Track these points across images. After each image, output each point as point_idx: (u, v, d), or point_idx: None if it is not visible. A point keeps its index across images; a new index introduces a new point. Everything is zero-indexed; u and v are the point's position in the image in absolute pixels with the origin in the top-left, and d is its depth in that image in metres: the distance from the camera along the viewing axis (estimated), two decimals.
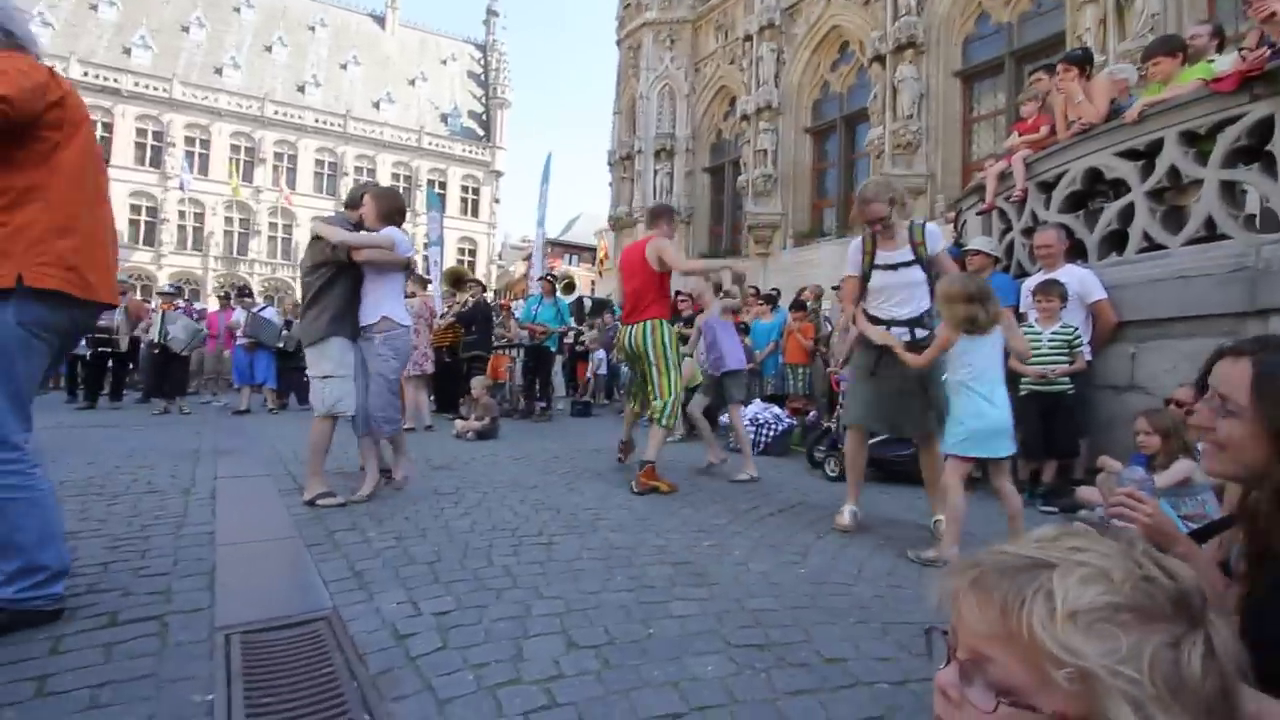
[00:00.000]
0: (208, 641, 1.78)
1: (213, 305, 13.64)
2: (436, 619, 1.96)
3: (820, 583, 2.41)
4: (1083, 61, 4.81)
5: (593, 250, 29.46)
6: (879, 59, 11.02)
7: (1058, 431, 3.97)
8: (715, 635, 1.90)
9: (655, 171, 15.43)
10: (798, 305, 7.56)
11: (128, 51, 33.68)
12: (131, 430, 6.33)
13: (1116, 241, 4.48)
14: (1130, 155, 4.31)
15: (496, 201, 43.75)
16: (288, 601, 2.11)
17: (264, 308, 9.69)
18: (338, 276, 3.48)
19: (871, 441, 4.66)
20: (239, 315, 9.12)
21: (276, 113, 36.76)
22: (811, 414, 6.40)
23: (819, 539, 3.03)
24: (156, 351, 8.26)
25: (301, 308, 3.60)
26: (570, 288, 11.87)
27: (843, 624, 2.03)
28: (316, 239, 3.52)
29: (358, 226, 3.60)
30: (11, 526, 1.77)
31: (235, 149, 35.71)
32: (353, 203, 3.76)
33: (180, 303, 10.94)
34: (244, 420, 7.79)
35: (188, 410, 8.27)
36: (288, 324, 9.11)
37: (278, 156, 36.87)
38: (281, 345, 8.80)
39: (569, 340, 10.15)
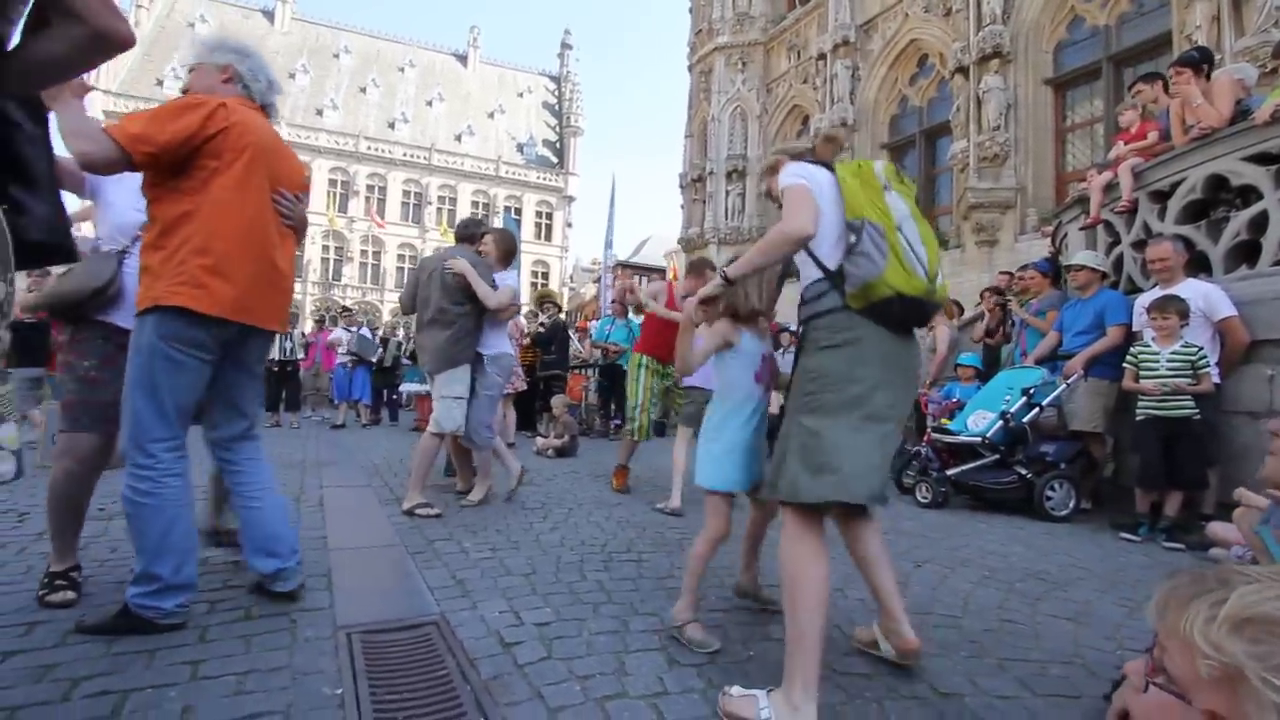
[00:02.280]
0: (331, 639, 1.89)
1: (308, 328, 14.66)
2: (538, 629, 2.00)
3: (924, 614, 2.30)
4: (1199, 62, 4.48)
5: (663, 271, 29.69)
6: (961, 70, 10.67)
7: (1182, 460, 3.64)
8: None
9: (727, 192, 15.46)
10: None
11: None
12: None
13: (1246, 253, 4.11)
14: (1260, 160, 3.97)
15: (569, 225, 45.04)
16: (399, 605, 2.22)
17: (363, 327, 10.35)
18: (474, 310, 3.75)
19: (967, 468, 4.48)
20: (338, 334, 9.77)
21: (369, 148, 39.55)
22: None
23: (917, 568, 2.90)
24: (275, 369, 8.96)
25: (432, 332, 3.74)
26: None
27: (954, 657, 1.93)
28: (456, 276, 3.71)
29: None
30: (137, 531, 1.88)
31: (333, 182, 38.61)
32: (465, 236, 4.08)
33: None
34: (341, 434, 8.29)
35: (296, 425, 8.89)
36: (383, 342, 9.71)
37: (369, 188, 39.57)
38: (376, 361, 9.38)
39: None
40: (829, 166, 1.81)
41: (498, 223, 38.41)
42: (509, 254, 4.01)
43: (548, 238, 44.07)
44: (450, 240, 4.54)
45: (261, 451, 2.25)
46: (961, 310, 7.60)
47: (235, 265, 1.97)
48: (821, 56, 13.55)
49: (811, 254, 1.76)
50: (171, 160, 1.88)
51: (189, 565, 1.95)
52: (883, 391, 1.67)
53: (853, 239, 1.67)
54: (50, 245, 1.32)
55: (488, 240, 3.98)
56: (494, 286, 3.75)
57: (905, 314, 1.69)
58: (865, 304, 1.66)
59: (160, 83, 35.64)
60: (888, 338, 1.69)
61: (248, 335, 2.09)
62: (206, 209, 1.93)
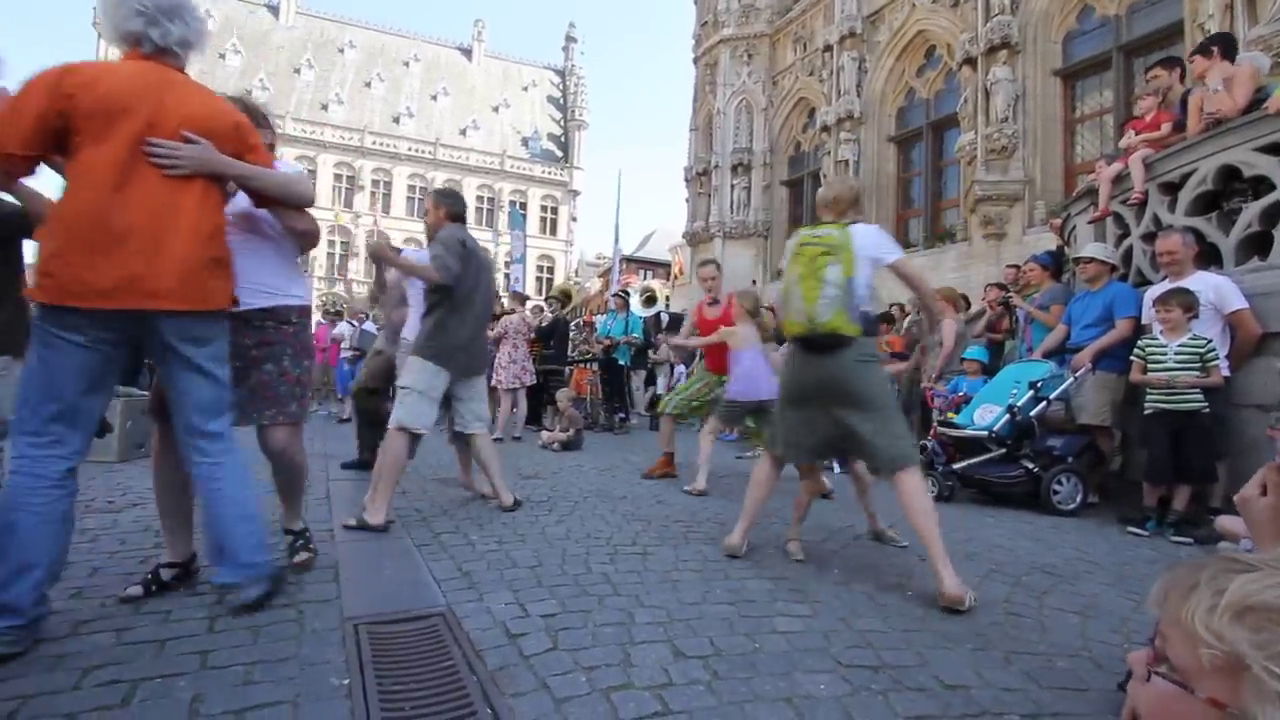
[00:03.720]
0: (338, 630, 1.91)
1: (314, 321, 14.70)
2: (544, 621, 2.01)
3: (930, 606, 2.29)
4: (1225, 43, 4.38)
5: (667, 265, 29.66)
6: (969, 62, 10.56)
7: (1190, 454, 3.61)
8: (824, 653, 1.85)
9: (732, 186, 15.39)
10: (885, 318, 7.31)
11: (248, 93, 37.39)
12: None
13: (1258, 245, 4.06)
14: (1273, 150, 3.91)
15: (574, 219, 44.98)
16: (405, 597, 2.23)
17: (367, 321, 10.37)
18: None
19: (973, 462, 4.46)
20: (342, 328, 9.80)
21: (374, 143, 39.58)
22: None
23: (922, 561, 2.88)
24: None
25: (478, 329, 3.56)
26: (651, 300, 11.96)
27: (960, 650, 1.93)
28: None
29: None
30: None
31: (338, 177, 38.68)
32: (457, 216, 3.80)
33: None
34: (347, 427, 8.31)
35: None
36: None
37: (374, 183, 39.60)
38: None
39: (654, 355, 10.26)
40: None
41: (503, 218, 38.45)
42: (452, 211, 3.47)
43: (553, 232, 44.03)
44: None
45: (225, 456, 1.96)
46: (968, 304, 7.56)
47: (69, 243, 1.69)
48: (828, 48, 13.44)
49: None
50: (45, 151, 1.73)
51: (18, 586, 1.64)
52: (808, 390, 2.66)
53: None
54: None
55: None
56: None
57: (804, 345, 2.65)
58: (789, 338, 2.76)
59: None
60: (800, 354, 2.69)
61: (145, 319, 1.79)
62: (67, 186, 1.74)
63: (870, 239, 2.59)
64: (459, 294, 3.31)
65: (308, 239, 2.28)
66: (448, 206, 3.49)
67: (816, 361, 2.61)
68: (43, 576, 1.71)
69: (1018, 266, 7.57)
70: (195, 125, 1.84)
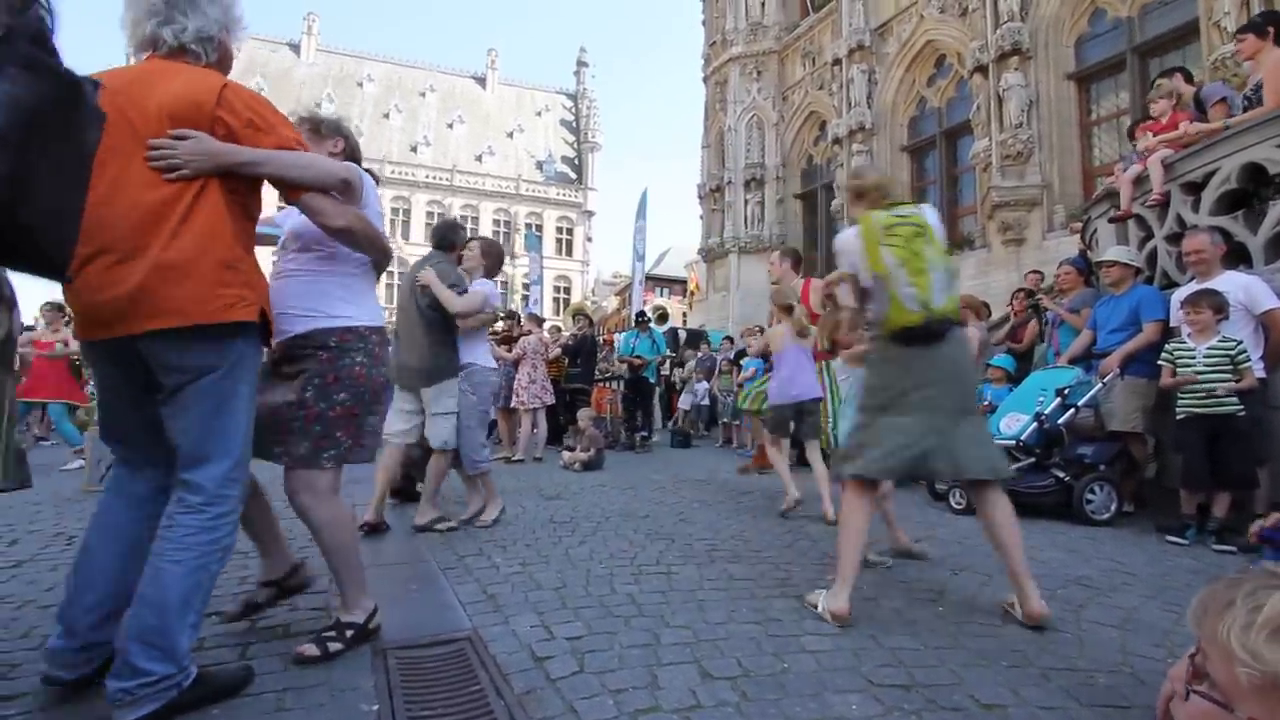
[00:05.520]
0: (367, 655, 1.92)
1: None
2: (570, 643, 2.01)
3: (962, 623, 2.25)
4: (1263, 27, 4.24)
5: (683, 282, 29.74)
6: (980, 69, 10.53)
7: (1229, 459, 3.50)
8: (854, 672, 1.82)
9: (746, 201, 15.44)
10: None
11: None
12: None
13: None
14: None
15: (589, 240, 45.40)
16: (431, 621, 2.24)
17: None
18: (448, 320, 3.60)
19: None
20: None
21: (393, 172, 40.48)
22: None
23: (954, 575, 2.83)
24: None
25: (413, 343, 3.59)
26: (664, 318, 12.04)
27: (995, 667, 1.88)
28: (424, 288, 3.56)
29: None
30: None
31: None
32: (441, 244, 3.85)
33: None
34: None
35: None
36: None
37: (394, 211, 40.40)
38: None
39: (665, 372, 10.27)
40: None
41: (519, 240, 38.97)
42: (493, 263, 3.93)
43: (569, 253, 44.47)
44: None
45: (187, 516, 1.58)
46: (990, 311, 7.45)
47: (81, 269, 1.49)
48: (837, 62, 13.50)
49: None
50: None
51: (75, 607, 1.60)
52: (914, 392, 2.30)
53: (870, 288, 2.41)
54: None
55: (472, 247, 3.88)
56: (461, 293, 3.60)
57: (914, 337, 2.29)
58: (887, 333, 2.35)
59: None
60: (905, 352, 2.33)
61: (130, 345, 1.55)
62: None
63: (936, 219, 2.43)
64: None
65: (351, 239, 1.88)
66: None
67: (931, 355, 2.30)
68: (95, 600, 1.61)
69: (1040, 272, 7.47)
70: (176, 107, 1.56)
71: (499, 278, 4.27)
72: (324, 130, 2.23)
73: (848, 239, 2.48)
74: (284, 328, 1.92)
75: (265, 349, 1.84)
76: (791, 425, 4.31)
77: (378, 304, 2.16)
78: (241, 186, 1.68)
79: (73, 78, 1.29)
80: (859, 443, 2.39)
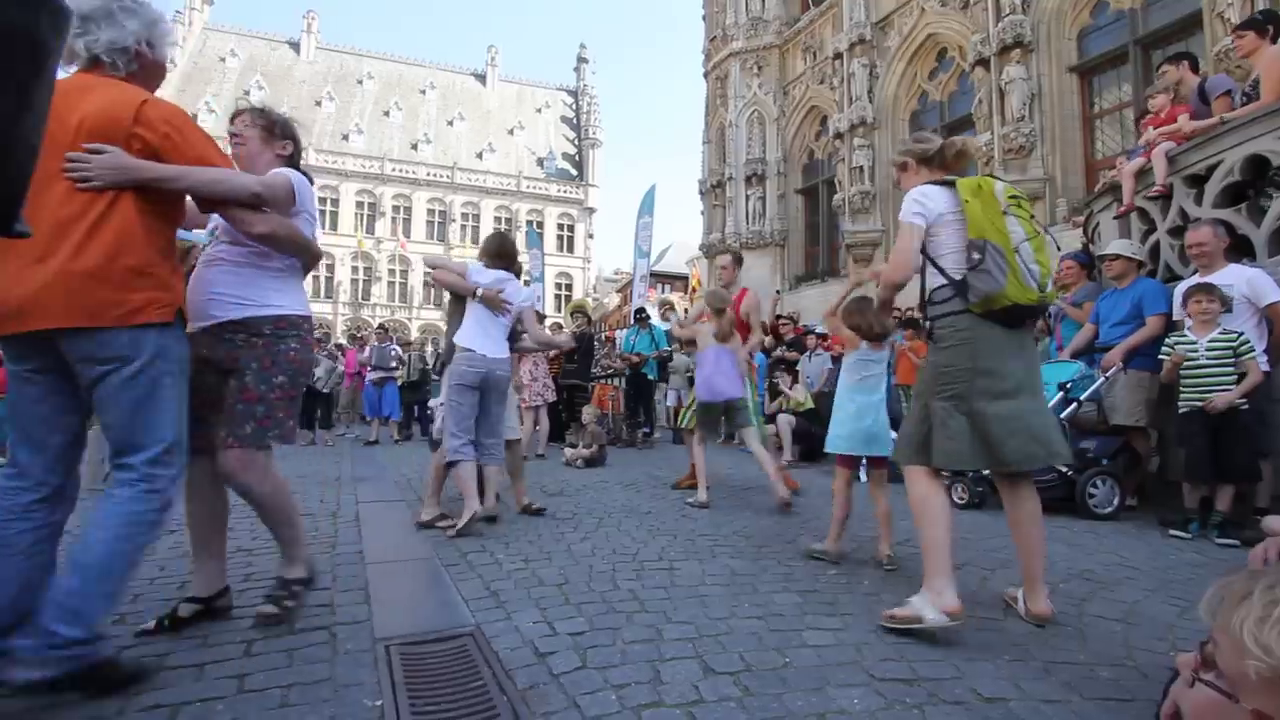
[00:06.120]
0: (370, 651, 1.93)
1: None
2: (572, 639, 2.01)
3: (965, 616, 2.24)
4: (1264, 24, 4.27)
5: (685, 279, 29.70)
6: (982, 62, 10.48)
7: (1231, 451, 3.50)
8: (856, 667, 1.83)
9: (747, 197, 15.40)
10: (909, 323, 7.21)
11: None
12: (282, 460, 7.04)
13: None
14: None
15: (590, 237, 45.36)
16: (435, 617, 2.25)
17: (390, 344, 10.56)
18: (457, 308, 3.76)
19: None
20: (368, 352, 10.02)
21: (394, 170, 40.48)
22: None
23: (955, 570, 2.82)
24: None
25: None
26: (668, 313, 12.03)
27: (997, 661, 1.89)
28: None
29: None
30: None
31: (360, 205, 39.59)
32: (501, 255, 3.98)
33: (330, 347, 11.94)
34: (375, 450, 8.45)
35: (331, 443, 9.10)
36: (402, 359, 9.93)
37: (395, 209, 40.45)
38: (397, 373, 9.60)
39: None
40: (952, 182, 2.17)
41: (520, 237, 38.99)
42: (496, 255, 3.92)
43: (570, 250, 44.45)
44: (472, 253, 4.50)
45: (118, 489, 1.69)
46: None
47: None
48: (838, 56, 13.44)
49: (937, 265, 2.19)
50: None
51: None
52: (998, 377, 2.11)
53: (976, 256, 2.06)
54: None
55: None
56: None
57: (1020, 316, 2.11)
58: (985, 310, 2.08)
59: (195, 115, 37.07)
60: (1002, 333, 2.11)
61: (44, 339, 1.62)
62: None
63: None
64: None
65: (273, 243, 1.99)
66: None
67: (1020, 339, 2.16)
68: None
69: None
70: (93, 123, 1.62)
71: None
72: (276, 132, 2.25)
73: (939, 194, 2.19)
74: (213, 313, 2.01)
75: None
76: (721, 423, 4.55)
77: (305, 295, 2.26)
78: (161, 196, 1.74)
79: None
80: (940, 432, 2.14)
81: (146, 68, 1.81)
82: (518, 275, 3.99)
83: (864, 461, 3.31)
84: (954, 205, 2.14)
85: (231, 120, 2.27)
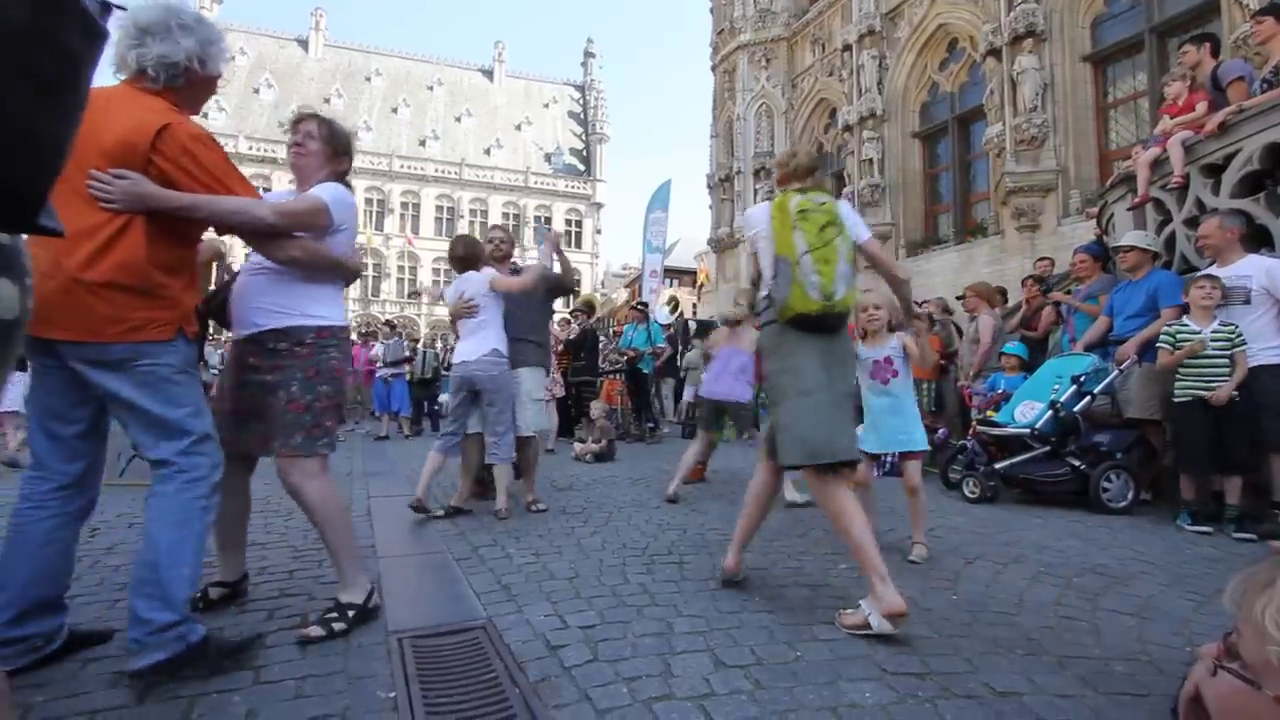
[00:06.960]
0: (384, 644, 1.95)
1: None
2: (584, 632, 2.02)
3: (977, 611, 2.24)
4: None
5: (693, 273, 29.63)
6: (993, 53, 10.34)
7: (1231, 442, 3.47)
8: (868, 660, 1.82)
9: (755, 191, 15.32)
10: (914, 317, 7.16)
11: (283, 125, 38.93)
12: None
13: None
14: None
15: (598, 232, 45.33)
16: (447, 610, 2.26)
17: (398, 340, 10.61)
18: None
19: (1016, 461, 4.34)
20: (379, 349, 10.06)
21: (402, 166, 40.58)
22: (941, 432, 6.00)
23: (968, 564, 2.82)
24: None
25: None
26: (674, 308, 12.02)
27: (1010, 655, 1.87)
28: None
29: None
30: None
31: (369, 201, 39.73)
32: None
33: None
34: (385, 445, 8.50)
35: (341, 438, 9.16)
36: (409, 355, 9.99)
37: (404, 205, 40.58)
38: (406, 369, 9.67)
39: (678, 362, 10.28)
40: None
41: (528, 233, 38.97)
42: (462, 260, 3.96)
43: (578, 245, 44.42)
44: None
45: (161, 485, 1.77)
46: (1005, 298, 7.37)
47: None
48: (847, 48, 13.32)
49: (763, 279, 2.37)
50: None
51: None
52: (809, 374, 2.23)
53: (773, 271, 2.26)
54: None
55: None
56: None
57: (812, 325, 2.24)
58: (784, 320, 2.26)
59: (204, 114, 37.33)
60: (808, 338, 2.26)
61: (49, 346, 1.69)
62: None
63: (852, 214, 2.38)
64: None
65: (296, 267, 2.03)
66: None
67: (827, 346, 2.27)
68: (8, 598, 1.65)
69: (1050, 260, 7.37)
70: (113, 144, 1.65)
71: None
72: (340, 149, 2.29)
73: (759, 214, 2.38)
74: (256, 321, 2.06)
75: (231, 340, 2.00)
76: (719, 420, 4.66)
77: (343, 305, 2.30)
78: (179, 217, 1.76)
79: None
80: (791, 432, 2.22)
81: (194, 84, 1.85)
82: (477, 268, 3.95)
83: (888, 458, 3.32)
84: (767, 222, 2.32)
85: (295, 126, 2.28)
